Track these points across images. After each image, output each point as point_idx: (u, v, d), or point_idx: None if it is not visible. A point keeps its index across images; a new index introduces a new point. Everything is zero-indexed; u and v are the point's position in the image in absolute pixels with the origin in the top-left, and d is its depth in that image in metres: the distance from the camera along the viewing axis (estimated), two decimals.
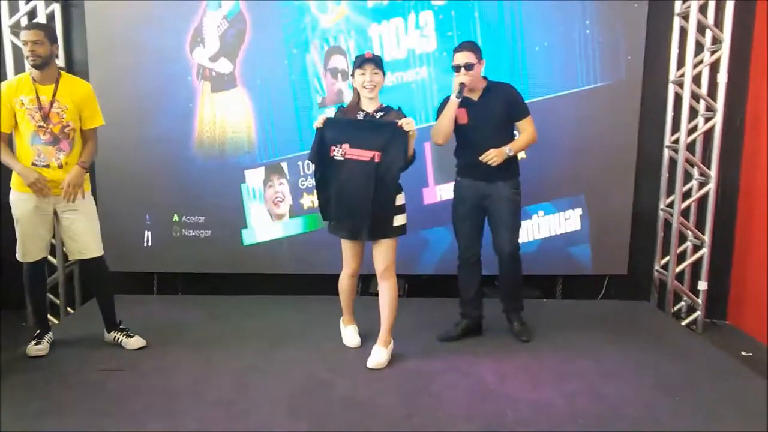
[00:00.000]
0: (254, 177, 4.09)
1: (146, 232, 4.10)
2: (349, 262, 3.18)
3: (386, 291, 3.10)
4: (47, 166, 3.06)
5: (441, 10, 3.93)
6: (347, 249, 3.16)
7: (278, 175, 4.09)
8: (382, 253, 3.07)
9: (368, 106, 3.06)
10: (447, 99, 3.25)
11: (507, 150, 3.18)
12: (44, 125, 3.02)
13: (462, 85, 3.11)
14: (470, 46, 3.18)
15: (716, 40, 3.92)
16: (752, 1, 3.95)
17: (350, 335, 3.35)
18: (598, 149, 4.02)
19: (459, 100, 3.13)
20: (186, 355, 3.19)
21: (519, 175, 3.34)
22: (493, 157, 3.15)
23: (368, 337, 3.31)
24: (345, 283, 3.25)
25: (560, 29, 3.92)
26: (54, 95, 3.04)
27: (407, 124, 2.91)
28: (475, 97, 3.23)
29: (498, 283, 3.55)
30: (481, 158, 3.16)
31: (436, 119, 3.28)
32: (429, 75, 3.98)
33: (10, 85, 3.06)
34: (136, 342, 3.27)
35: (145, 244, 4.11)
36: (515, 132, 3.34)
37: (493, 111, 3.21)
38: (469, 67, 3.11)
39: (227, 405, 2.67)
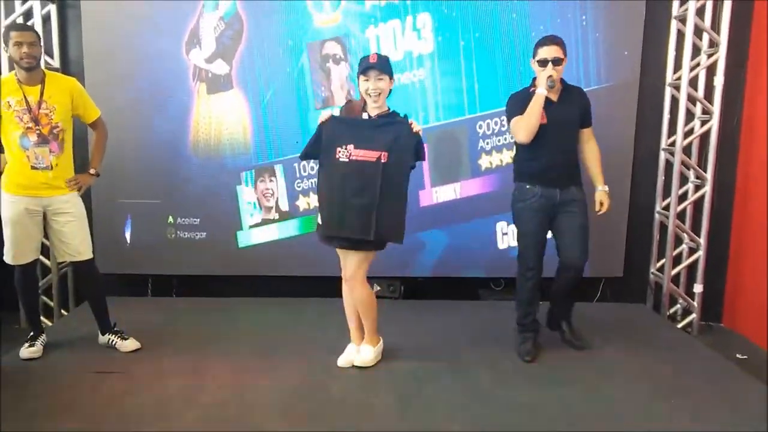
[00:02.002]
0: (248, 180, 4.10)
1: (139, 233, 4.09)
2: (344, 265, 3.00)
3: (354, 295, 2.97)
4: (48, 167, 3.03)
5: (436, 7, 3.91)
6: (342, 254, 2.99)
7: (269, 174, 4.09)
8: (355, 261, 2.92)
9: (373, 110, 2.91)
10: (518, 93, 3.15)
11: (606, 190, 3.19)
12: (32, 126, 2.98)
13: (550, 79, 2.97)
14: (558, 40, 3.04)
15: (713, 43, 3.92)
16: (749, 3, 3.95)
17: (345, 353, 3.10)
18: None
19: (544, 93, 2.98)
20: (180, 358, 3.17)
21: None
22: (608, 206, 3.18)
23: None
24: (342, 289, 3.04)
25: (558, 29, 3.89)
26: (41, 96, 3.00)
27: (416, 126, 2.85)
28: (554, 97, 3.08)
29: (555, 289, 3.34)
30: (597, 211, 3.16)
31: (512, 116, 3.08)
32: (427, 77, 3.97)
33: None
34: (130, 344, 3.25)
35: (137, 246, 4.09)
36: None
37: (572, 113, 3.11)
38: (557, 61, 3.00)
39: (222, 407, 2.66)
